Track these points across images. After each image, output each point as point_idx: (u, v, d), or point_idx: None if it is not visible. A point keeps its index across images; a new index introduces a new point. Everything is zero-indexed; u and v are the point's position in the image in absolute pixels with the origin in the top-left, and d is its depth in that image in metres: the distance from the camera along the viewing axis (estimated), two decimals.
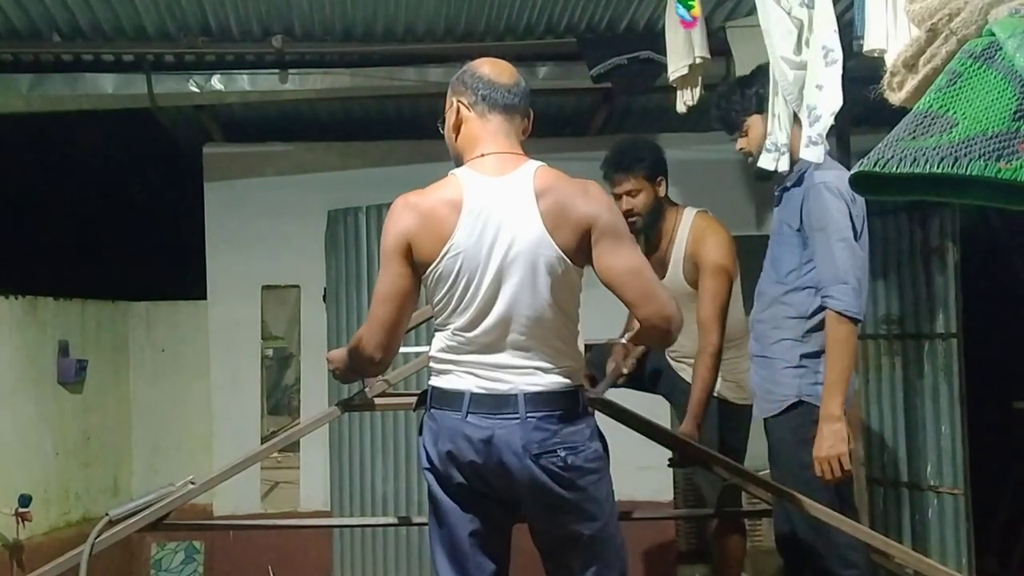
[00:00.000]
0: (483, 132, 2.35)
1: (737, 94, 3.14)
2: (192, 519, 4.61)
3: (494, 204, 2.26)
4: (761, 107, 3.01)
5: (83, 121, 4.95)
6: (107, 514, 2.75)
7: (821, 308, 2.89)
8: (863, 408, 4.49)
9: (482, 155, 2.33)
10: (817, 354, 2.91)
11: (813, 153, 2.86)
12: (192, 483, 2.80)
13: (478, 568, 2.38)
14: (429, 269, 2.30)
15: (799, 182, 2.98)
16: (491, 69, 2.38)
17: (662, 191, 3.56)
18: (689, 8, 3.21)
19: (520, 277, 2.25)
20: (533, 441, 2.24)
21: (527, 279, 2.25)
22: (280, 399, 6.73)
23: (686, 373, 3.63)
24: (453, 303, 2.30)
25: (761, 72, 3.03)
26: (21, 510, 4.32)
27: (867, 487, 4.49)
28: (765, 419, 3.08)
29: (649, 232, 3.59)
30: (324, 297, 5.27)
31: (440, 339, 2.36)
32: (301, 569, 5.18)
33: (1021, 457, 4.96)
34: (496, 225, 2.25)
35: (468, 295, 2.28)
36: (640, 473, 4.84)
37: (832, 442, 2.79)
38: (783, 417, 2.98)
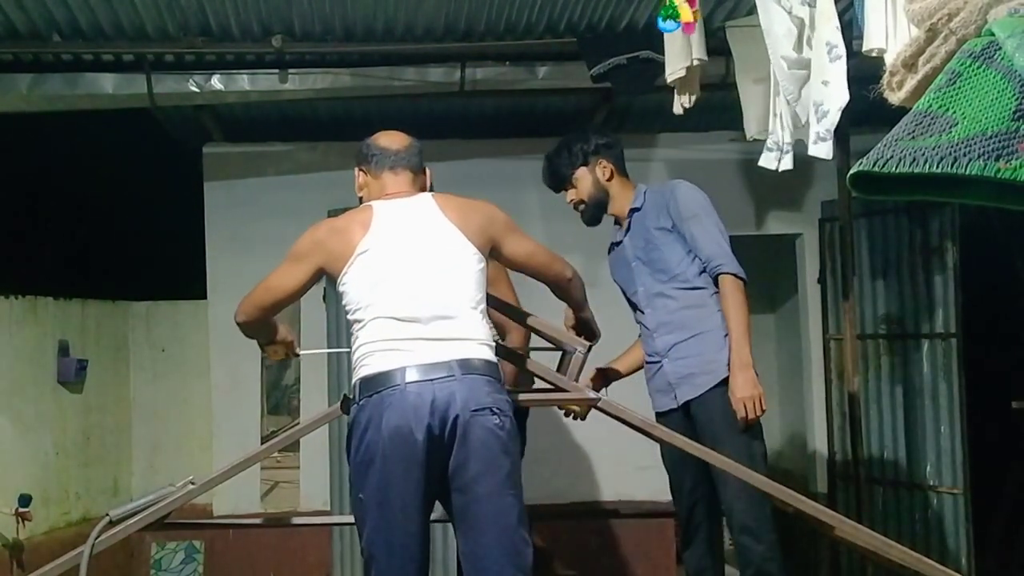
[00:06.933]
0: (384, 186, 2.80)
1: (564, 153, 3.42)
2: (192, 519, 4.61)
3: (404, 214, 2.65)
4: (586, 160, 3.40)
5: (83, 121, 4.94)
6: (107, 514, 2.74)
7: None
8: (863, 408, 4.48)
9: (387, 194, 2.76)
10: None
11: (822, 150, 2.86)
12: (192, 483, 2.80)
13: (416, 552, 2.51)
14: (343, 268, 2.59)
15: (643, 202, 3.39)
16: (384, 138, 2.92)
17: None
18: (675, 17, 3.14)
19: (439, 264, 2.58)
20: (471, 398, 2.48)
21: (444, 265, 2.59)
22: (280, 399, 6.73)
23: None
24: (375, 294, 2.56)
25: (582, 131, 3.54)
26: (21, 510, 4.31)
27: (867, 487, 4.48)
28: (688, 402, 3.24)
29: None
30: (324, 297, 5.26)
31: (366, 333, 2.58)
32: (301, 569, 5.17)
33: (1021, 457, 4.96)
34: (408, 226, 2.62)
35: (389, 284, 2.56)
36: (640, 473, 4.84)
37: (751, 385, 3.12)
38: (711, 395, 3.18)
